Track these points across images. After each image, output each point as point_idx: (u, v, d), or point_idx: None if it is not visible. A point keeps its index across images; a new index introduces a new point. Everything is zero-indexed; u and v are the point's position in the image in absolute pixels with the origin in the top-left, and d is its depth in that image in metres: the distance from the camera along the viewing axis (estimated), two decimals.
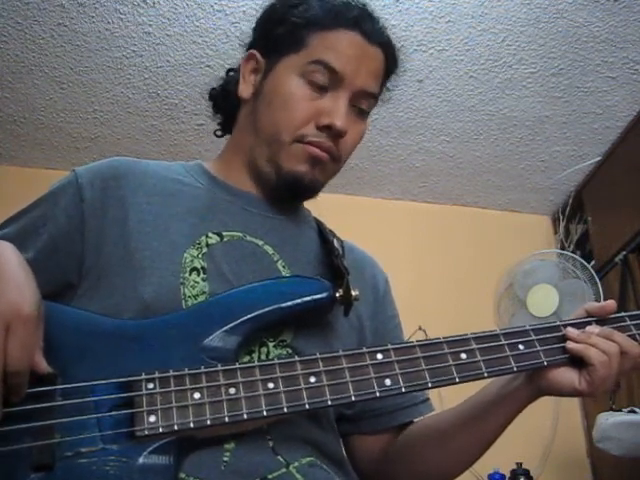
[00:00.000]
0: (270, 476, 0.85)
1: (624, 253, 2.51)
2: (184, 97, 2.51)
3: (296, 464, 0.89)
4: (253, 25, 1.13)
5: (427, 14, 2.22)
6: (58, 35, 2.26)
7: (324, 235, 1.09)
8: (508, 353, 0.90)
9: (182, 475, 0.81)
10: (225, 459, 0.84)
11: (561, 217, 3.00)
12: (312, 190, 1.06)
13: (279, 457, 0.87)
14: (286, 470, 0.87)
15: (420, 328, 2.60)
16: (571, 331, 0.95)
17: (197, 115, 2.57)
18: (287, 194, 1.06)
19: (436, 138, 2.71)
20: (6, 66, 2.36)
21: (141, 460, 0.77)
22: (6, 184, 2.73)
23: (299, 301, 0.90)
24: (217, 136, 1.20)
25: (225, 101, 1.15)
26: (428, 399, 1.14)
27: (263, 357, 0.91)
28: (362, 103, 1.05)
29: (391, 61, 1.09)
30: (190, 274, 0.93)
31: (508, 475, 2.42)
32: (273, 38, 1.06)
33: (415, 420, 1.11)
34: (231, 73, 1.17)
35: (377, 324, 1.10)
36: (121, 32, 2.26)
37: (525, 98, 2.52)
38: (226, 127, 1.18)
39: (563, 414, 2.74)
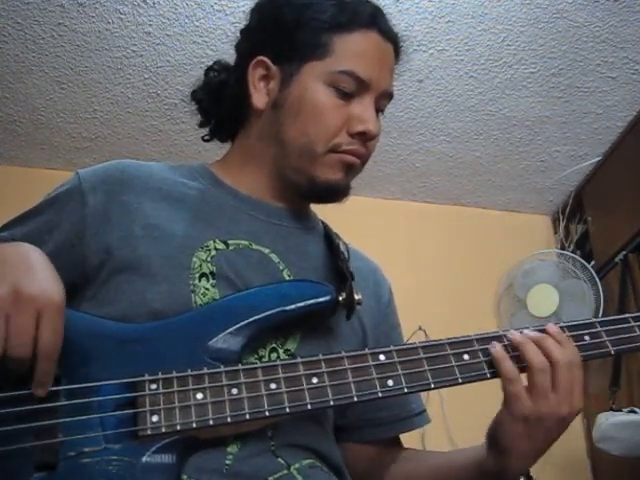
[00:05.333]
0: (271, 478, 0.86)
1: (624, 253, 2.50)
2: (184, 97, 2.50)
3: (297, 465, 0.89)
4: (250, 28, 1.10)
5: (427, 14, 2.21)
6: (58, 35, 2.26)
7: (331, 239, 1.09)
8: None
9: (184, 477, 0.81)
10: (227, 462, 0.84)
11: (561, 217, 3.00)
12: (346, 195, 1.06)
13: (279, 459, 0.88)
14: (287, 472, 0.87)
15: (420, 328, 2.60)
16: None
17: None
18: (319, 201, 1.07)
19: (436, 138, 2.71)
20: (6, 66, 2.36)
21: (144, 460, 0.77)
22: (6, 184, 2.73)
23: (302, 304, 0.90)
24: (205, 140, 1.18)
25: (217, 106, 1.12)
26: (424, 411, 1.13)
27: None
28: (382, 104, 1.06)
29: (398, 54, 1.10)
30: (200, 280, 0.92)
31: None
32: (291, 43, 1.02)
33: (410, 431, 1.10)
34: (212, 73, 1.14)
35: (379, 334, 1.10)
36: (121, 32, 2.26)
37: (525, 98, 2.52)
38: (220, 132, 1.15)
39: None
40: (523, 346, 0.89)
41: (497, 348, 0.89)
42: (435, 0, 2.18)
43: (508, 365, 0.88)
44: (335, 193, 1.05)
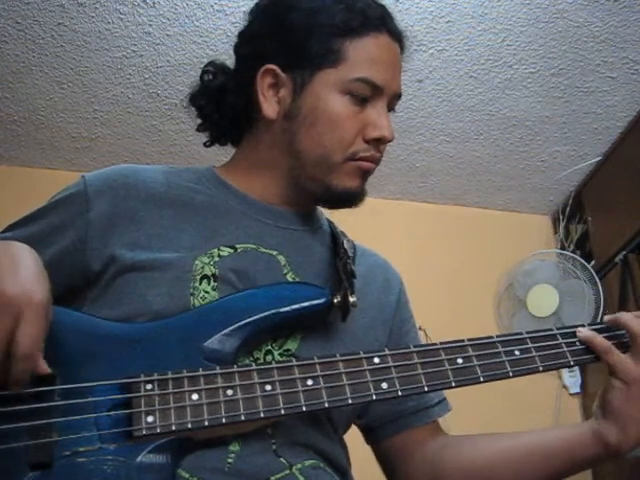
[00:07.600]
0: (273, 478, 0.86)
1: (624, 253, 2.51)
2: (184, 97, 2.50)
3: (299, 466, 0.89)
4: (253, 33, 1.07)
5: (427, 14, 2.21)
6: (58, 35, 2.26)
7: (336, 238, 1.09)
8: (504, 358, 0.90)
9: (186, 475, 0.81)
10: (229, 461, 0.85)
11: (561, 217, 3.00)
12: (363, 200, 1.06)
13: (282, 459, 0.88)
14: (289, 472, 0.88)
15: (420, 328, 2.58)
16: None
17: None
18: (335, 207, 1.06)
19: (436, 138, 2.71)
20: (6, 66, 2.36)
21: (139, 460, 0.77)
22: (6, 184, 2.73)
23: (297, 306, 0.91)
24: (206, 146, 1.16)
25: (218, 112, 1.10)
26: (443, 400, 1.12)
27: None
28: (393, 104, 1.07)
29: (403, 51, 1.08)
30: (200, 283, 0.92)
31: None
32: (301, 51, 1.00)
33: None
34: (208, 76, 1.11)
35: (391, 327, 1.10)
36: (121, 32, 2.26)
37: (525, 98, 2.52)
38: (221, 137, 1.14)
39: (563, 414, 2.73)
40: (629, 322, 0.95)
41: (583, 331, 0.96)
42: (435, 0, 2.18)
43: (599, 340, 0.95)
44: (353, 200, 1.04)
